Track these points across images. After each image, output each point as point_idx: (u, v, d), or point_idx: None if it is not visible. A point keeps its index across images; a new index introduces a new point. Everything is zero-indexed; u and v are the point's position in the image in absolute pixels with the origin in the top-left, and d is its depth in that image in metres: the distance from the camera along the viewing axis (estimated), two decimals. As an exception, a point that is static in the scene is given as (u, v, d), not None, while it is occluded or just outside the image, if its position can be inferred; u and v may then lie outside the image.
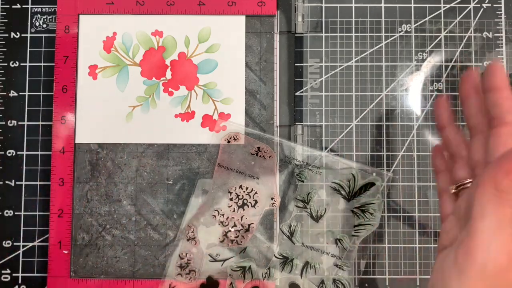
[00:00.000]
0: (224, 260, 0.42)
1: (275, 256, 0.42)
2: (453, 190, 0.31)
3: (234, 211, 0.42)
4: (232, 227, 0.42)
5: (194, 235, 0.42)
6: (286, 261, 0.42)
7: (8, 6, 0.45)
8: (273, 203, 0.43)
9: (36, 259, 0.43)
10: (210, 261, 0.42)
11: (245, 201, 0.42)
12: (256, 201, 0.42)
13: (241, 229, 0.42)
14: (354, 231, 0.42)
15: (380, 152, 0.43)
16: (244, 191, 0.43)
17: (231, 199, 0.43)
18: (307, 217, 0.43)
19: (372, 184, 0.43)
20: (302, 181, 0.43)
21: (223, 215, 0.42)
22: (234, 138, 0.43)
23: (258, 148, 0.43)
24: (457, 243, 0.26)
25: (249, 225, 0.42)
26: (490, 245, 0.24)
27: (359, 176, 0.43)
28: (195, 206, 0.43)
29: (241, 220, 0.42)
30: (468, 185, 0.30)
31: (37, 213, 0.43)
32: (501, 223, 0.24)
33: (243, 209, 0.42)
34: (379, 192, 0.43)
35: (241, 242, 0.42)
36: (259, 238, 0.43)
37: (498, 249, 0.24)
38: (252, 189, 0.43)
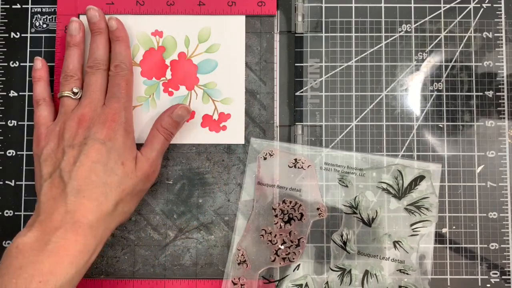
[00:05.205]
0: (279, 280, 0.41)
1: (331, 269, 0.41)
2: None
3: (281, 227, 0.41)
4: (281, 244, 0.41)
5: (244, 258, 0.41)
6: (343, 273, 0.40)
7: (8, 6, 0.45)
8: (319, 213, 0.41)
9: (36, 259, 0.43)
10: (264, 283, 0.40)
11: (290, 216, 0.41)
12: (301, 214, 0.41)
13: (291, 245, 0.41)
14: (413, 230, 0.40)
15: (380, 152, 0.43)
16: (288, 206, 0.41)
17: (276, 216, 0.41)
18: (358, 222, 0.41)
19: (422, 177, 0.40)
20: (346, 186, 0.41)
21: (270, 233, 0.41)
22: (270, 154, 0.42)
23: (295, 160, 0.42)
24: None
25: (298, 239, 0.41)
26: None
27: (406, 172, 0.41)
28: (241, 226, 0.41)
29: (290, 235, 0.41)
30: None
31: (37, 213, 0.43)
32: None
33: (290, 224, 0.41)
34: (431, 184, 0.40)
35: (293, 258, 0.41)
36: (311, 252, 0.41)
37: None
38: (296, 202, 0.41)
